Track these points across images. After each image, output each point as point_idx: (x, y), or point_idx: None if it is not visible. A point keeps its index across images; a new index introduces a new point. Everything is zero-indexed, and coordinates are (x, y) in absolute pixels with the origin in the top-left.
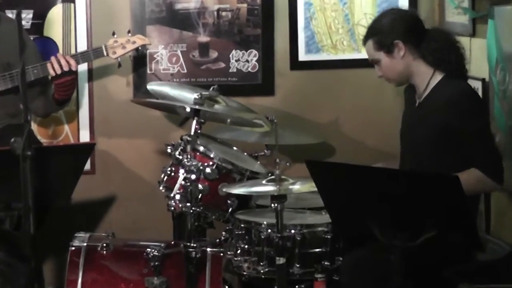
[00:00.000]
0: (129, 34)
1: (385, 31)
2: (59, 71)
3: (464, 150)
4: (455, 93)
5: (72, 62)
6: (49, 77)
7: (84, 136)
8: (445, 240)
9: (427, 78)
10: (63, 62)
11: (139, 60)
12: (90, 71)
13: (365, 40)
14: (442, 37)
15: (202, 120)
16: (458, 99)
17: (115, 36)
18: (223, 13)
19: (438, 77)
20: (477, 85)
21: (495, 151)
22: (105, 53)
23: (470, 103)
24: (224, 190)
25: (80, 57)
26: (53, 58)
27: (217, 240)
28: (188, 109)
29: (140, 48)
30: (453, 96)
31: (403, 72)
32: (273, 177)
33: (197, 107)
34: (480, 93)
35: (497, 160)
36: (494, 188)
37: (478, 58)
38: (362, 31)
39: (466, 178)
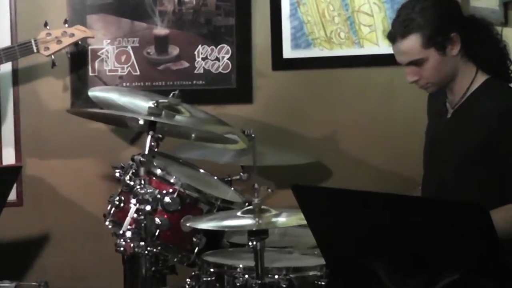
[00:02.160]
0: (66, 25)
1: (438, 21)
2: None
3: (501, 180)
4: (501, 102)
5: None
6: None
7: (8, 157)
8: (469, 285)
9: (469, 80)
10: None
11: (79, 59)
12: (15, 72)
13: (404, 34)
14: (485, 28)
15: (160, 136)
16: (504, 111)
17: (48, 27)
18: None
19: (481, 79)
20: None
21: None
22: (35, 49)
23: None
24: (188, 225)
25: (3, 55)
26: None
27: None
28: (141, 122)
29: (80, 42)
30: (498, 106)
31: (449, 73)
32: (251, 207)
33: (152, 118)
34: None
35: None
36: None
37: (510, 51)
38: (363, 20)
39: (502, 216)
